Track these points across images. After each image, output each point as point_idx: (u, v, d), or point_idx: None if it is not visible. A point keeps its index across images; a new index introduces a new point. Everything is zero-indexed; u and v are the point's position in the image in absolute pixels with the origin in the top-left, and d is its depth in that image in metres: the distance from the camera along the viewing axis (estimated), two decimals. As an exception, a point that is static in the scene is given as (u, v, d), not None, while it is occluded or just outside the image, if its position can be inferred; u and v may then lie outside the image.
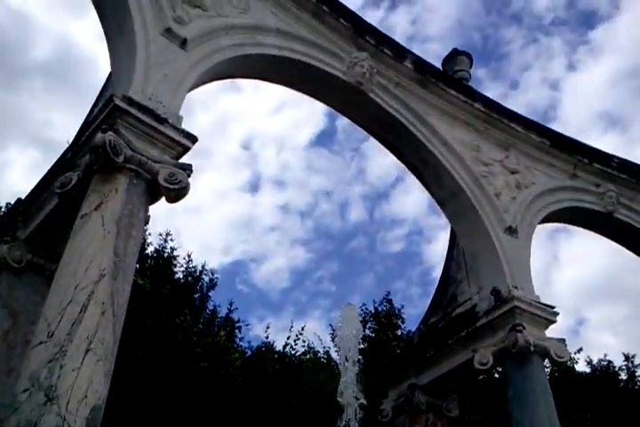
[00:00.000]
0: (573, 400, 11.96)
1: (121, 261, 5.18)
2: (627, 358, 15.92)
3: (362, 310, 15.36)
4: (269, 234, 37.39)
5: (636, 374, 15.73)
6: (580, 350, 16.51)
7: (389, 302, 15.31)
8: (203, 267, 12.86)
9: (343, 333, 7.15)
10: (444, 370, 8.27)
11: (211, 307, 12.04)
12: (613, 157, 10.38)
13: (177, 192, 5.72)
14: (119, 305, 5.03)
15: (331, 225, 38.35)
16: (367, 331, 14.94)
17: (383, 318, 14.62)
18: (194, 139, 5.98)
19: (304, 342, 11.78)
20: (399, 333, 14.02)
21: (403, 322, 14.73)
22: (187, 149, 5.94)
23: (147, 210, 5.69)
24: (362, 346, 14.48)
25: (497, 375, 12.13)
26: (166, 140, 5.82)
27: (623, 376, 15.71)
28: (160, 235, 12.82)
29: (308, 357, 11.16)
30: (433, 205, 9.11)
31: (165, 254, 12.11)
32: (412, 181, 9.08)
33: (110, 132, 5.41)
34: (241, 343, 11.21)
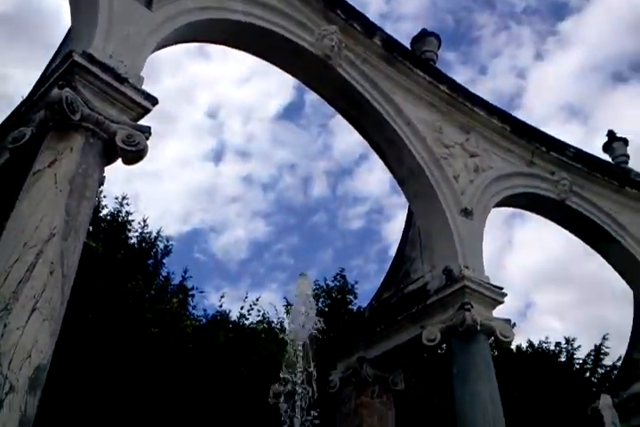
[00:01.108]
0: (515, 379, 12.20)
1: (73, 221, 4.98)
2: (567, 341, 16.39)
3: (315, 285, 15.38)
4: (230, 205, 36.88)
5: (575, 356, 16.20)
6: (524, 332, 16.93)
7: (343, 277, 15.28)
8: (158, 233, 12.54)
9: (297, 303, 7.05)
10: (392, 345, 8.28)
11: (164, 274, 11.81)
12: (569, 146, 10.46)
13: (134, 154, 5.51)
14: (69, 266, 4.85)
15: (293, 199, 38.03)
16: (320, 305, 14.95)
17: (337, 294, 14.57)
18: (154, 101, 5.75)
19: (259, 311, 11.75)
20: (351, 308, 14.02)
21: (355, 298, 14.75)
22: (146, 111, 5.71)
23: (102, 171, 5.48)
24: (316, 318, 14.51)
25: (442, 352, 12.32)
26: (125, 101, 5.58)
27: (563, 358, 16.16)
28: (116, 198, 12.40)
29: (261, 327, 11.11)
30: (394, 184, 9.07)
31: (120, 218, 11.69)
32: (376, 160, 9.02)
33: (67, 89, 5.16)
34: (194, 311, 11.11)
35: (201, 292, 11.37)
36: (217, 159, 39.63)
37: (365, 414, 7.92)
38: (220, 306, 11.08)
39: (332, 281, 15.22)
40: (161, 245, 12.17)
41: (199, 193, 36.88)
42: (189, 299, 11.13)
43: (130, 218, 11.90)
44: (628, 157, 11.81)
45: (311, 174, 37.48)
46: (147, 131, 5.59)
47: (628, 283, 10.96)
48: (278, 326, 11.14)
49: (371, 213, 38.25)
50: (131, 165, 5.63)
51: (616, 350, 15.81)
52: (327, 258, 35.01)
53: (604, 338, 16.20)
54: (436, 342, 7.90)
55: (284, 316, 11.31)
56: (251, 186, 38.74)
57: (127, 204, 12.29)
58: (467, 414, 7.18)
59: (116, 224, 11.29)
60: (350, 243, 37.73)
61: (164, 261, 11.83)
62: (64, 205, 4.95)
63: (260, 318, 11.53)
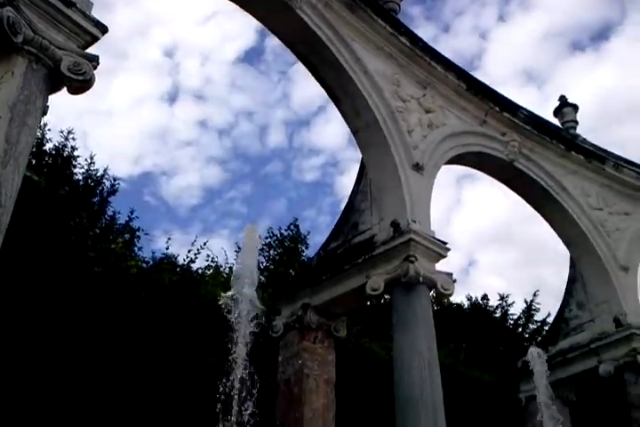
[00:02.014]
0: (452, 332, 12.50)
1: (12, 150, 4.68)
2: (501, 297, 16.88)
3: (268, 232, 15.27)
4: (184, 148, 35.78)
5: (509, 312, 16.72)
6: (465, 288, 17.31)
7: (296, 227, 15.20)
8: (105, 171, 12.11)
9: (244, 250, 6.93)
10: (337, 293, 8.29)
11: (110, 213, 11.47)
12: (522, 108, 10.47)
13: (80, 84, 5.17)
14: (7, 196, 4.58)
15: (249, 147, 37.20)
16: (272, 252, 14.90)
17: (289, 243, 14.48)
18: (104, 28, 5.37)
19: (208, 256, 11.58)
20: (303, 259, 13.97)
21: (307, 248, 14.71)
22: (95, 39, 5.35)
23: (46, 99, 5.13)
24: (264, 265, 14.46)
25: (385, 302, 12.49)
26: (73, 26, 5.19)
27: (497, 314, 16.66)
28: (61, 132, 11.76)
29: (209, 272, 10.97)
30: (351, 138, 8.91)
31: (65, 153, 11.20)
32: (334, 112, 8.84)
33: (9, 8, 4.76)
34: (139, 253, 10.86)
35: (146, 234, 11.15)
36: (171, 101, 38.18)
37: (307, 358, 7.96)
38: (167, 248, 10.95)
39: (286, 230, 15.14)
40: (107, 184, 11.84)
41: (152, 135, 35.47)
42: (135, 240, 10.89)
43: (76, 154, 11.37)
44: (576, 122, 11.93)
45: (268, 123, 36.61)
46: (94, 60, 5.25)
47: (565, 244, 11.23)
48: (226, 271, 11.05)
49: (326, 165, 37.90)
50: (77, 95, 5.29)
51: (548, 307, 16.39)
52: (280, 208, 34.70)
53: (535, 295, 16.75)
54: (379, 292, 7.94)
55: (233, 261, 11.22)
56: (206, 131, 37.58)
57: (73, 138, 11.74)
58: (404, 359, 7.28)
59: (61, 159, 10.76)
60: (304, 194, 37.41)
61: (110, 200, 11.51)
62: (4, 132, 4.65)
63: (208, 262, 11.48)
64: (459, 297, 17.58)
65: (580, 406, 11.22)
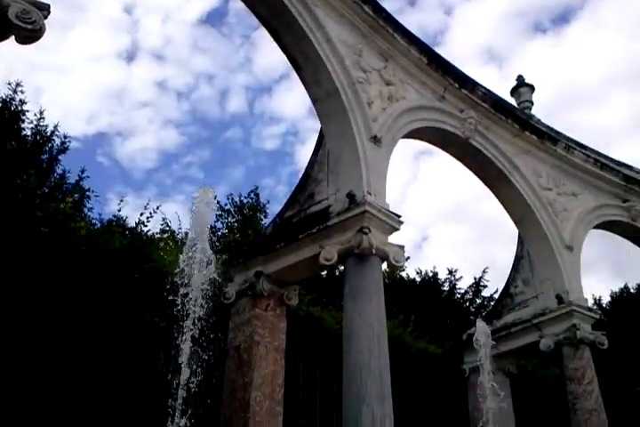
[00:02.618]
0: (402, 304, 12.65)
1: (-46, 98, 4.40)
2: (450, 272, 17.18)
3: (228, 198, 15.03)
4: (141, 109, 34.72)
5: (457, 286, 17.04)
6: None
7: (257, 195, 14.99)
8: (55, 128, 11.59)
9: (196, 214, 6.74)
10: (290, 262, 8.22)
11: (60, 172, 11.01)
12: (480, 85, 10.48)
13: (29, 33, 4.90)
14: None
15: (208, 111, 36.33)
16: (230, 219, 14.70)
17: (248, 211, 14.27)
18: (56, -25, 5.08)
19: (163, 219, 11.28)
20: (262, 227, 13.80)
21: (266, 217, 14.53)
22: (46, -14, 5.05)
23: (-8, 45, 4.85)
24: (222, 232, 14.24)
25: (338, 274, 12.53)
26: (22, -30, 4.89)
27: (445, 288, 16.96)
28: (8, 84, 11.13)
29: (161, 236, 10.72)
30: (313, 108, 8.73)
31: (13, 107, 10.58)
32: (297, 81, 8.63)
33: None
34: (90, 214, 10.55)
35: (96, 195, 10.75)
36: (129, 59, 36.86)
37: (258, 325, 7.90)
38: (119, 210, 10.61)
39: (246, 198, 14.93)
40: (57, 141, 11.35)
41: (108, 94, 34.21)
42: (85, 201, 10.53)
43: (24, 108, 10.77)
44: (532, 103, 12.05)
45: (229, 87, 35.73)
46: (45, 8, 4.97)
47: (514, 223, 11.41)
48: (180, 236, 10.82)
49: (286, 134, 37.43)
50: (25, 45, 5.01)
51: (496, 284, 16.78)
52: (238, 175, 34.20)
53: (484, 271, 17.11)
54: (332, 262, 7.91)
55: (187, 226, 10.91)
56: (164, 92, 36.46)
57: (22, 91, 11.14)
58: (353, 329, 7.29)
59: (8, 113, 10.22)
60: (263, 162, 36.94)
61: (59, 158, 11.04)
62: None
63: (161, 227, 11.22)
64: (410, 271, 17.85)
65: (521, 379, 11.54)
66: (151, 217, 9.85)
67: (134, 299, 7.47)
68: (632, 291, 19.65)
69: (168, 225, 11.24)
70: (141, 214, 9.82)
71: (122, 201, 10.45)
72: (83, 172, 11.10)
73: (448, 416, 10.91)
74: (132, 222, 10.31)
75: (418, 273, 17.04)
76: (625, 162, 12.72)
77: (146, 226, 9.72)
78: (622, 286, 19.99)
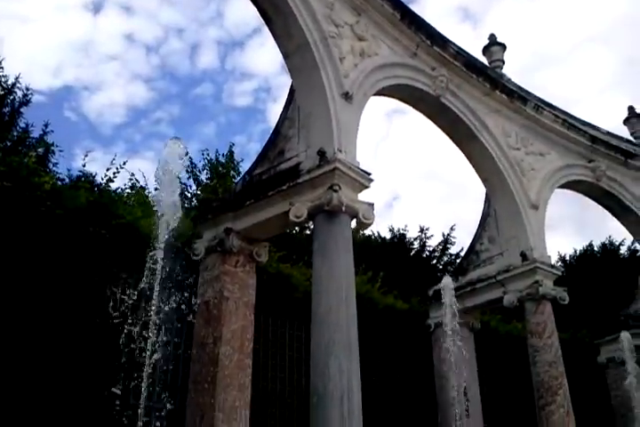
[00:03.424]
0: (371, 261, 12.75)
1: None
2: (421, 229, 17.34)
3: (203, 154, 14.74)
4: (108, 63, 33.51)
5: (427, 244, 17.24)
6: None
7: (231, 153, 14.70)
8: (17, 79, 11.12)
9: (164, 166, 6.57)
10: (260, 218, 8.15)
11: (22, 125, 10.63)
12: (452, 43, 10.35)
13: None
14: None
15: (178, 66, 35.27)
16: (203, 177, 14.48)
17: (221, 168, 14.03)
18: None
19: (133, 175, 10.99)
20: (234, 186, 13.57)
21: (238, 175, 14.28)
22: None
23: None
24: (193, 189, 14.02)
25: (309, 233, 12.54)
26: None
27: (415, 246, 17.15)
28: None
29: (128, 192, 10.48)
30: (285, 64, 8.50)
31: None
32: (270, 36, 8.34)
33: None
34: (54, 169, 10.23)
35: (60, 150, 10.37)
36: (96, 11, 35.38)
37: (227, 281, 7.88)
38: (84, 165, 10.27)
39: (219, 155, 14.64)
40: (20, 94, 10.89)
41: (74, 46, 32.86)
42: (50, 155, 10.20)
43: (-17, 59, 10.28)
44: (503, 62, 11.96)
45: (200, 42, 34.60)
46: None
47: (482, 181, 11.47)
48: (147, 193, 10.61)
49: (259, 91, 36.61)
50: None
51: (464, 241, 17.01)
52: (209, 132, 33.55)
53: (452, 229, 17.30)
54: (302, 219, 7.87)
55: (155, 182, 10.63)
56: (132, 45, 35.13)
57: (-22, 41, 10.57)
58: (322, 285, 7.32)
59: (-35, 61, 9.79)
60: (234, 119, 36.20)
61: (22, 111, 10.61)
62: None
63: (129, 183, 10.97)
64: (381, 229, 17.94)
65: (484, 334, 11.83)
66: (118, 173, 9.62)
67: (101, 256, 7.35)
68: (596, 249, 20.12)
69: (138, 181, 11.03)
70: (108, 170, 9.58)
71: (86, 156, 10.11)
72: (47, 126, 10.73)
73: (414, 369, 11.17)
74: (98, 178, 10.07)
75: (390, 230, 17.15)
76: (592, 123, 12.83)
77: (112, 181, 9.51)
78: (587, 243, 20.44)
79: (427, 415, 10.80)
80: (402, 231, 16.98)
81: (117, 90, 33.32)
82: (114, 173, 9.45)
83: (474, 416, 10.29)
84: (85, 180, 9.67)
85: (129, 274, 7.77)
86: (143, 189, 10.99)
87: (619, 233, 19.42)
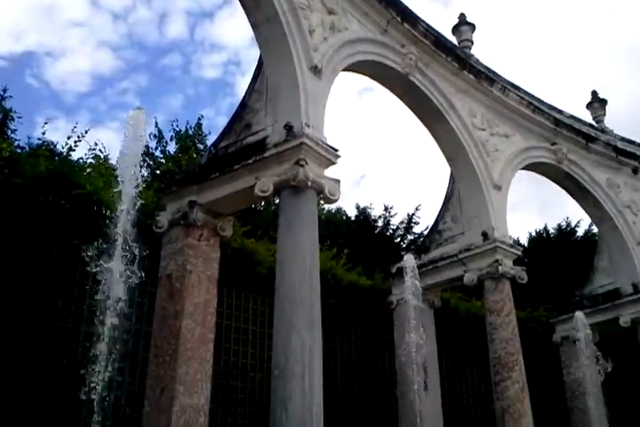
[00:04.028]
0: (336, 238, 12.77)
1: None
2: (386, 208, 17.43)
3: (172, 125, 14.40)
4: (73, 29, 32.32)
5: (391, 222, 17.34)
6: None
7: (199, 126, 14.37)
8: (-29, 42, 10.61)
9: (128, 136, 6.39)
10: (225, 192, 8.02)
11: (-22, 91, 10.20)
12: (422, 20, 10.28)
13: None
14: None
15: (146, 35, 34.22)
16: (171, 149, 14.20)
17: (189, 141, 13.72)
18: None
19: (95, 145, 10.66)
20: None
21: (205, 148, 14.01)
22: None
23: None
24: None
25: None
26: None
27: (380, 224, 17.24)
28: None
29: (91, 162, 10.18)
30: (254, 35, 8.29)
31: None
32: (240, 6, 8.10)
33: None
34: (13, 136, 9.83)
35: (19, 117, 10.00)
36: None
37: (191, 254, 7.76)
38: (44, 133, 9.89)
39: (191, 128, 14.31)
40: (-25, 59, 10.40)
41: (36, 10, 31.57)
42: (8, 121, 9.79)
43: None
44: (472, 42, 11.94)
45: (169, 11, 33.60)
46: None
47: (447, 161, 11.51)
48: (110, 163, 10.29)
49: (228, 63, 35.81)
50: None
51: (428, 221, 17.12)
52: (176, 104, 32.81)
53: (417, 209, 17.43)
54: (267, 194, 7.76)
55: (117, 153, 10.34)
56: (98, 12, 33.87)
57: None
58: (286, 260, 7.27)
59: None
60: (202, 92, 35.41)
61: (-23, 74, 10.17)
62: None
63: (90, 153, 10.63)
64: (349, 207, 17.93)
65: (444, 311, 12.00)
66: (79, 141, 9.32)
67: (60, 226, 7.16)
68: (551, 231, 20.56)
69: (102, 150, 10.71)
70: (69, 138, 9.26)
71: (47, 123, 9.78)
72: (5, 91, 10.29)
73: (375, 345, 11.30)
74: (61, 147, 9.72)
75: (356, 208, 17.19)
76: (556, 106, 12.97)
77: (73, 150, 9.20)
78: (542, 226, 20.87)
79: (387, 389, 10.96)
80: (367, 209, 17.04)
81: (82, 57, 32.22)
82: (75, 142, 9.17)
83: (432, 390, 10.48)
84: (45, 148, 9.35)
85: (89, 246, 7.60)
86: (106, 159, 10.68)
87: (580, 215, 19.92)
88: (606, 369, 12.76)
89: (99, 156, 10.59)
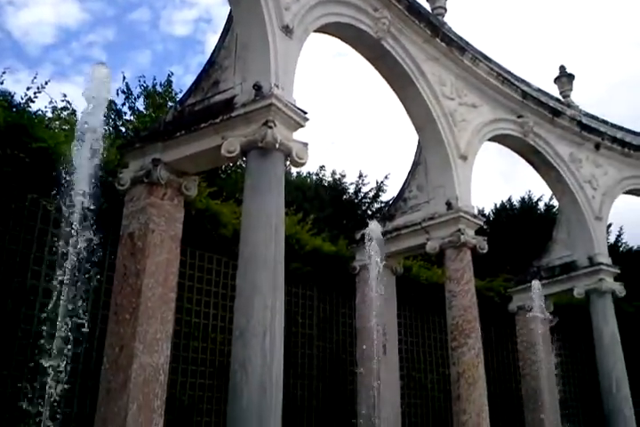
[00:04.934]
0: (304, 203, 12.70)
1: None
2: (360, 175, 17.44)
3: (139, 81, 13.96)
4: None
5: (361, 189, 17.36)
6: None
7: (169, 83, 13.92)
8: None
9: (89, 93, 6.15)
10: (191, 151, 7.85)
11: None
12: (396, -16, 10.08)
13: None
14: None
15: None
16: (140, 106, 13.79)
17: (159, 98, 13.30)
18: None
19: (63, 96, 10.24)
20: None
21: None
22: None
23: None
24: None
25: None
26: None
27: (351, 190, 17.25)
28: None
29: (52, 116, 9.80)
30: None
31: None
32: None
33: None
34: (-31, 87, 9.37)
35: (-25, 65, 9.55)
36: None
37: (154, 213, 7.61)
38: (2, 83, 9.42)
39: (160, 85, 13.86)
40: None
41: None
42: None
43: None
44: (445, 10, 11.82)
45: None
46: None
47: (416, 129, 11.48)
48: (73, 117, 9.92)
49: (199, 20, 34.72)
50: None
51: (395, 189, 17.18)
52: (144, 60, 31.81)
53: (386, 177, 17.48)
54: (234, 155, 7.62)
55: (80, 107, 9.96)
56: None
57: None
58: (251, 221, 7.21)
59: None
60: (171, 48, 34.35)
61: None
62: None
63: (51, 106, 10.23)
64: (317, 173, 17.77)
65: (406, 278, 12.14)
66: (39, 92, 8.92)
67: (19, 180, 6.92)
68: (515, 203, 20.87)
69: (69, 104, 10.28)
70: (28, 89, 8.85)
71: (4, 73, 9.26)
72: (-38, 39, 9.76)
73: (337, 309, 11.39)
74: (20, 98, 9.28)
75: (324, 174, 17.11)
76: (524, 78, 13.01)
77: (33, 102, 8.82)
78: (507, 198, 21.16)
79: (347, 353, 11.11)
80: (337, 175, 17.00)
81: (47, 8, 30.78)
82: (35, 94, 8.79)
83: (391, 354, 10.65)
84: (4, 99, 8.95)
85: (48, 201, 7.40)
86: (70, 113, 10.27)
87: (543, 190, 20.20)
88: (551, 322, 13.19)
89: (61, 109, 10.19)
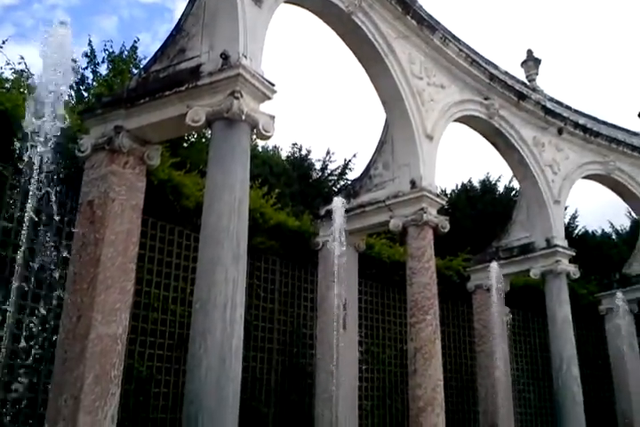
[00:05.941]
0: (271, 176, 12.57)
1: None
2: (327, 152, 17.37)
3: (104, 46, 13.44)
4: None
5: (328, 167, 17.30)
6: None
7: (134, 49, 13.39)
8: None
9: (49, 55, 5.88)
10: (154, 119, 7.63)
11: None
12: (369, -42, 9.91)
13: None
14: None
15: None
16: (103, 71, 13.28)
17: (121, 64, 12.83)
18: None
19: (21, 59, 9.76)
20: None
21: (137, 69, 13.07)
22: None
23: None
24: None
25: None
26: None
27: (318, 166, 17.18)
28: None
29: (9, 78, 9.37)
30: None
31: None
32: None
33: None
34: None
35: None
36: None
37: (114, 181, 7.40)
38: (-46, 41, 8.99)
39: (124, 48, 13.36)
40: None
41: None
42: None
43: None
44: (417, -14, 11.67)
45: None
46: None
47: (383, 107, 11.41)
48: (31, 80, 9.49)
49: None
50: None
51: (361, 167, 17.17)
52: (109, 26, 30.78)
53: (354, 156, 17.44)
54: (199, 124, 7.44)
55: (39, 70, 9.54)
56: None
57: None
58: (215, 192, 7.08)
59: None
60: (138, 15, 33.31)
61: None
62: None
63: (9, 68, 9.79)
64: (285, 147, 17.55)
65: (368, 255, 12.18)
66: (1, 48, 8.48)
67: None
68: (476, 184, 21.10)
69: (27, 67, 9.82)
70: (-10, 50, 8.43)
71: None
72: None
73: (298, 284, 11.39)
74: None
75: (297, 149, 16.95)
76: (492, 61, 13.03)
77: (-4, 69, 8.40)
78: (467, 179, 21.37)
79: (307, 326, 11.14)
80: (304, 152, 16.88)
81: (8, -32, 29.40)
82: (-6, 56, 8.37)
83: (350, 329, 10.71)
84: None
85: (4, 166, 7.14)
86: (29, 75, 9.83)
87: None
88: (506, 317, 13.52)
89: (19, 71, 9.77)
